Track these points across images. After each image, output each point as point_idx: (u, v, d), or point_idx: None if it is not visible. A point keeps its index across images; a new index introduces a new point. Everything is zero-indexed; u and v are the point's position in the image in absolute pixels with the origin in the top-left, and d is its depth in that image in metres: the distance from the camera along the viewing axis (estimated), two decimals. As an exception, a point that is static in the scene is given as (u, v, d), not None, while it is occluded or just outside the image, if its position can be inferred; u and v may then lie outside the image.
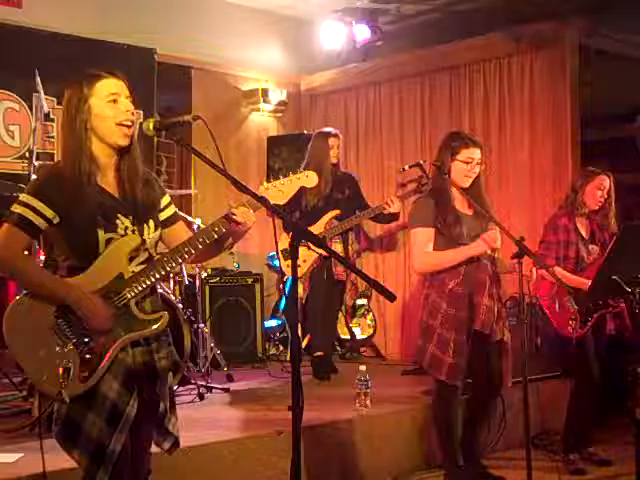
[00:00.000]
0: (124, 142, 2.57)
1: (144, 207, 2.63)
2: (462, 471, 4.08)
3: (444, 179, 4.00)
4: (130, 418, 2.52)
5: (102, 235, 2.52)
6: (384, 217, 5.86)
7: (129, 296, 2.55)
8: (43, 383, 2.48)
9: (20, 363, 2.52)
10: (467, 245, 3.93)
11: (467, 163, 3.99)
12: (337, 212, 5.79)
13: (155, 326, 2.61)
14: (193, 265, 5.78)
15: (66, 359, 2.46)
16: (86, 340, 2.49)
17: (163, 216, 2.74)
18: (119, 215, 2.57)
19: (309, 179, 2.70)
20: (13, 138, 6.09)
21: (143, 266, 2.59)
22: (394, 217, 5.85)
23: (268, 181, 2.68)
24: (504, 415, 4.94)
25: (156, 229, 2.66)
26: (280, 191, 2.65)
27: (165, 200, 2.75)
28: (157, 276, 2.58)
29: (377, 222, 6.25)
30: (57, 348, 2.48)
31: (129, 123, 2.56)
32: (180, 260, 2.61)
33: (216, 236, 2.61)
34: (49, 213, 2.49)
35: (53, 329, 2.49)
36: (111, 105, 2.55)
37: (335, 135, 5.93)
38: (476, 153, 4.02)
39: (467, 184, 4.01)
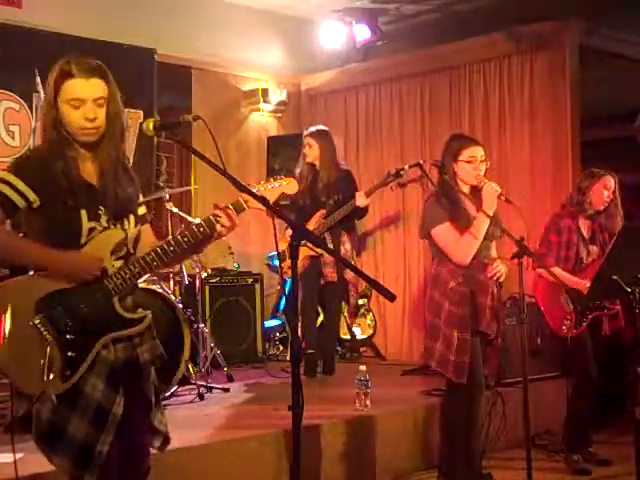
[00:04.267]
0: (89, 140, 2.52)
1: (124, 201, 2.58)
2: (461, 472, 4.05)
3: (450, 183, 3.99)
4: (117, 418, 2.45)
5: (85, 222, 2.46)
6: (356, 213, 5.92)
7: (113, 293, 2.48)
8: (23, 382, 2.40)
9: None
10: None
11: (470, 162, 3.99)
12: (323, 212, 5.82)
13: (138, 327, 2.55)
14: (193, 265, 5.78)
15: (48, 357, 2.37)
16: (68, 337, 2.41)
17: (139, 212, 2.68)
18: (100, 206, 2.51)
19: (289, 186, 2.68)
20: (13, 138, 6.08)
21: (121, 262, 2.54)
22: (364, 212, 5.95)
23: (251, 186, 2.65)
24: (504, 415, 4.95)
25: (136, 225, 2.61)
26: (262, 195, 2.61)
27: (140, 197, 2.71)
28: (142, 274, 2.52)
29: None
30: (38, 345, 2.37)
31: (88, 130, 2.49)
32: (165, 259, 2.52)
33: (201, 237, 2.54)
34: (31, 196, 2.42)
35: (34, 325, 2.38)
36: (72, 110, 2.48)
37: (307, 134, 5.98)
38: (477, 151, 4.02)
39: (476, 182, 3.99)
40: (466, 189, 4.05)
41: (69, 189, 2.45)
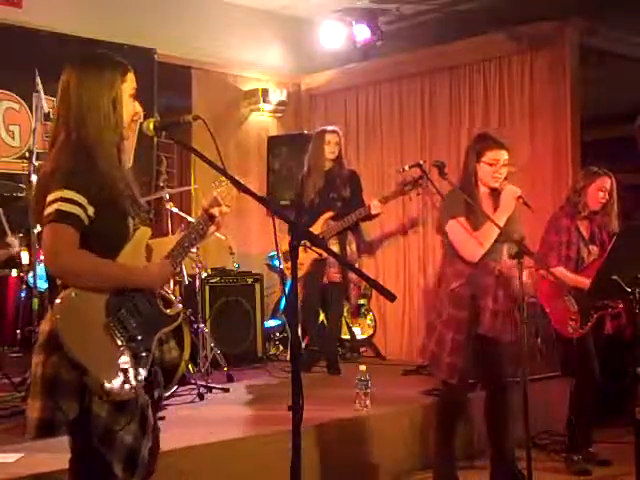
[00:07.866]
0: (130, 135, 2.58)
1: (140, 201, 2.61)
2: (449, 471, 4.12)
3: (471, 181, 3.99)
4: (152, 421, 2.44)
5: (131, 224, 2.47)
6: (366, 219, 5.95)
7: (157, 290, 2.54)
8: (106, 383, 2.30)
9: (82, 364, 2.29)
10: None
11: (492, 165, 3.98)
12: (330, 214, 5.87)
13: (179, 319, 2.59)
14: (193, 265, 5.78)
15: (123, 358, 2.35)
16: (139, 338, 2.41)
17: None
18: (134, 206, 2.53)
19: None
20: (13, 138, 6.09)
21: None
22: (374, 218, 5.96)
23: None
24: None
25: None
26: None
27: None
28: (176, 268, 2.58)
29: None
30: (113, 347, 2.35)
31: (137, 123, 2.59)
32: (189, 249, 2.62)
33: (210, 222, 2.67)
34: (90, 209, 2.36)
35: (106, 328, 2.35)
36: (131, 100, 2.55)
37: (332, 131, 5.98)
38: (501, 154, 4.00)
39: (495, 185, 4.00)
40: (486, 190, 4.05)
41: (116, 193, 2.43)
